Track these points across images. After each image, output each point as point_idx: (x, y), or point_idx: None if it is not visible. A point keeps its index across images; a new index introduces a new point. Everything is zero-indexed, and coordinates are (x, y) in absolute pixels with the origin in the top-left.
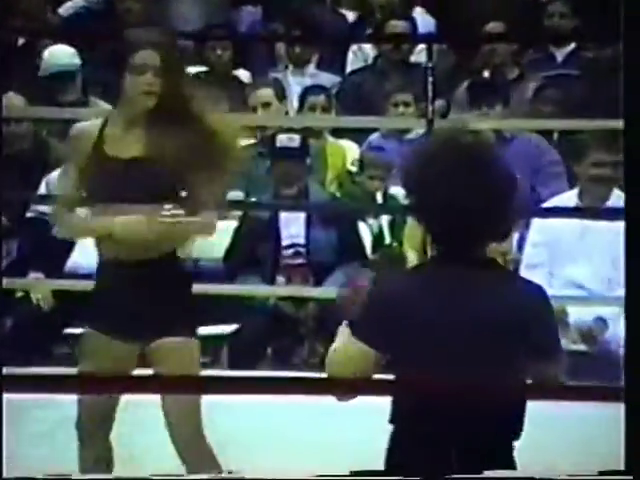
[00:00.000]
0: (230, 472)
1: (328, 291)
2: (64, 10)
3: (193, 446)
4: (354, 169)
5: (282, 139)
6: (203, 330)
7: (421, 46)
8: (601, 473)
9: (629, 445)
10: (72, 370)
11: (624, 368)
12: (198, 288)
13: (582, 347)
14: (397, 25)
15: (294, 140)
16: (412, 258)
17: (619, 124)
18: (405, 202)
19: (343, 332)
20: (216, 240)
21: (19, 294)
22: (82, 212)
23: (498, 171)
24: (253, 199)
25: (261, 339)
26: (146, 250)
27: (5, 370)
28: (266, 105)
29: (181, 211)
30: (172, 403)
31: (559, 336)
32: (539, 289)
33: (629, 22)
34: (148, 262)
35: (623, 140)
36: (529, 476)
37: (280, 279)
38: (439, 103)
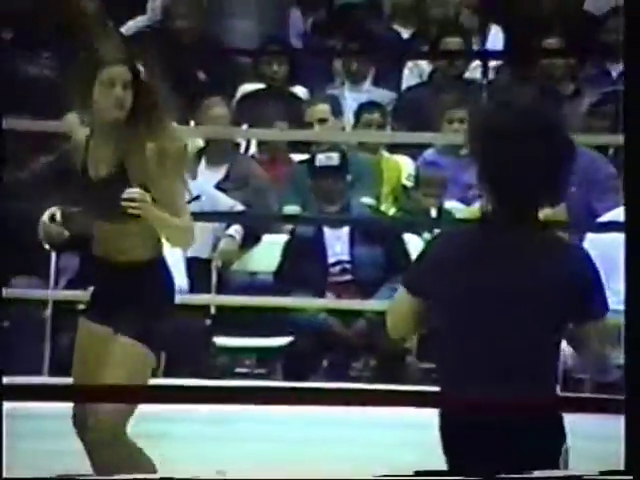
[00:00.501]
0: (219, 472)
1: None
2: (126, 29)
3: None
4: (409, 184)
5: (321, 158)
6: (257, 342)
7: (477, 62)
8: (601, 473)
9: (629, 445)
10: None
11: (624, 368)
12: (255, 301)
13: None
14: (452, 42)
15: (333, 159)
16: None
17: None
18: (459, 216)
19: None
20: (272, 254)
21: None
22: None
23: (558, 135)
24: (306, 214)
25: (314, 352)
26: (128, 252)
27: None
28: (322, 121)
29: (147, 196)
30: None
31: (606, 298)
32: (583, 250)
33: (630, 21)
34: (129, 264)
35: (624, 152)
36: (569, 474)
37: (329, 296)
38: None
